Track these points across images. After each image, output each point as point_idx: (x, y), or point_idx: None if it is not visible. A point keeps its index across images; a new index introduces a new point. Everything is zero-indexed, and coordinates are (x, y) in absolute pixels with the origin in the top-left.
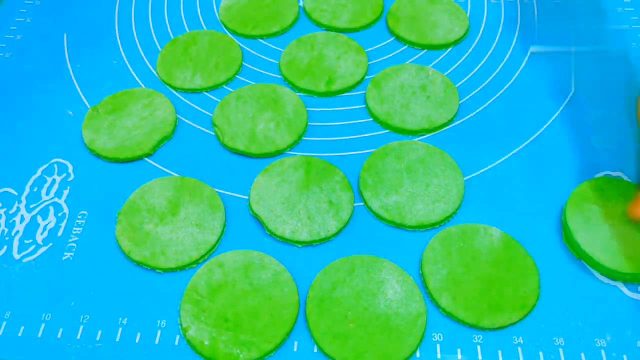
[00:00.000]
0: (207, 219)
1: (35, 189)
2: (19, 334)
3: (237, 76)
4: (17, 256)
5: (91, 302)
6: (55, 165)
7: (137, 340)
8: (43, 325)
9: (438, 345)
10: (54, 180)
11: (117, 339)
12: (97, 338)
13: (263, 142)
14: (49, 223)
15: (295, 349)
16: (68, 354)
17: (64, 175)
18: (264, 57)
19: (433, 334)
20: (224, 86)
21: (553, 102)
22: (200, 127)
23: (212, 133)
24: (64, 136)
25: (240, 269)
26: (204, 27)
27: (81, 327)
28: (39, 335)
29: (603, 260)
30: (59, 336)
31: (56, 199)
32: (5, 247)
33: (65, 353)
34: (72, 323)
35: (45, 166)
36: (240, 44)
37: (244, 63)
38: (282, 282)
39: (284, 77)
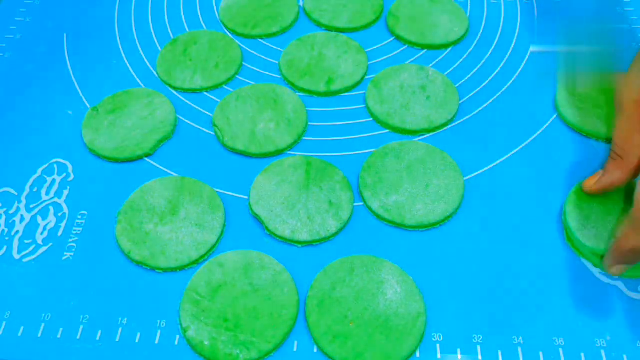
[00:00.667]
0: (207, 219)
1: (35, 189)
2: (19, 334)
3: (237, 76)
4: (17, 256)
5: (91, 302)
6: (55, 165)
7: (137, 340)
8: (43, 325)
9: (438, 345)
10: (54, 180)
11: (117, 339)
12: (97, 338)
13: (263, 142)
14: (49, 223)
15: (295, 349)
16: (68, 354)
17: (64, 175)
18: (264, 57)
19: (433, 334)
20: (224, 86)
21: (553, 101)
22: (200, 127)
23: (212, 133)
24: (64, 136)
25: (240, 269)
26: (204, 27)
27: (81, 327)
28: (39, 335)
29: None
30: (58, 336)
31: (56, 199)
32: (5, 247)
33: (65, 353)
34: (72, 323)
35: (45, 166)
36: (240, 44)
37: (244, 63)
38: (282, 282)
39: (284, 77)
